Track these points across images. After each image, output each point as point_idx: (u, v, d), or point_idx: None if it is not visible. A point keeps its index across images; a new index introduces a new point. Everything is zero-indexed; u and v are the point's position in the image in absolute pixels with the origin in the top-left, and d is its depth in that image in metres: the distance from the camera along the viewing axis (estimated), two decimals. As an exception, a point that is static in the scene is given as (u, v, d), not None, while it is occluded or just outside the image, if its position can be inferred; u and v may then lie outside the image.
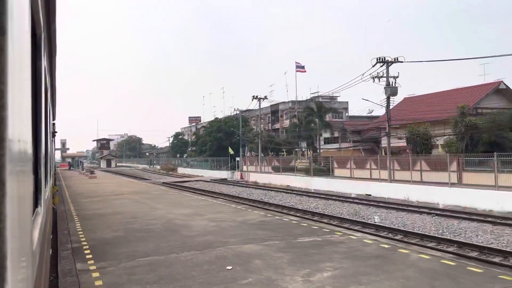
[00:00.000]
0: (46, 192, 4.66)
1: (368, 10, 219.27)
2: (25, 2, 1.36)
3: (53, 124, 17.02)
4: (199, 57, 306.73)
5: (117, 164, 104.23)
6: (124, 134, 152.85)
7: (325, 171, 33.78)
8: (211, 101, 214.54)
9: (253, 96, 44.70)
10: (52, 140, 13.02)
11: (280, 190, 30.79)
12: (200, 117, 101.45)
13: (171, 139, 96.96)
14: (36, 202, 2.89)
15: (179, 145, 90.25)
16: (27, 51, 1.45)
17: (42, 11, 2.68)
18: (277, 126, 67.10)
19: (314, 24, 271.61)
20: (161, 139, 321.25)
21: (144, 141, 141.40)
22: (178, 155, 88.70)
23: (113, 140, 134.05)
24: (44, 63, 3.30)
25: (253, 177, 42.07)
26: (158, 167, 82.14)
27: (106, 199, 19.16)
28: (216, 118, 71.05)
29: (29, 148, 1.49)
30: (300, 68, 61.57)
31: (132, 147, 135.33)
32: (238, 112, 77.14)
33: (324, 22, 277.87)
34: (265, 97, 45.59)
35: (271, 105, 62.03)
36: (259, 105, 45.94)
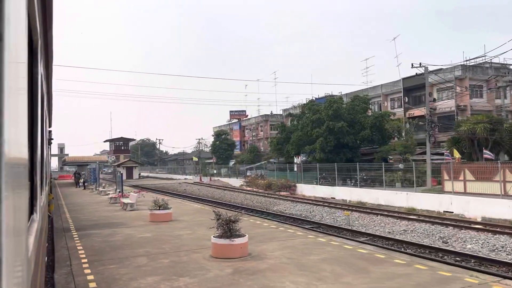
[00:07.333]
0: (41, 199, 4.65)
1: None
2: (22, 8, 1.37)
3: (49, 131, 17.02)
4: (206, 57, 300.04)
5: (141, 174, 75.01)
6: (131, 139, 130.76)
7: None
8: (259, 90, 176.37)
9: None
10: (48, 148, 12.99)
11: None
12: (245, 111, 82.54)
13: (201, 141, 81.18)
14: (31, 209, 2.88)
15: (223, 147, 71.05)
16: (24, 57, 1.46)
17: (39, 17, 2.68)
18: (415, 112, 39.79)
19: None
20: (175, 142, 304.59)
21: (160, 145, 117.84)
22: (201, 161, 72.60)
23: (134, 140, 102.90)
24: (40, 69, 3.31)
25: None
26: (238, 181, 46.93)
27: None
28: (312, 100, 47.36)
29: (25, 154, 1.49)
30: None
31: (146, 152, 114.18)
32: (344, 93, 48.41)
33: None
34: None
35: (403, 79, 40.69)
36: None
